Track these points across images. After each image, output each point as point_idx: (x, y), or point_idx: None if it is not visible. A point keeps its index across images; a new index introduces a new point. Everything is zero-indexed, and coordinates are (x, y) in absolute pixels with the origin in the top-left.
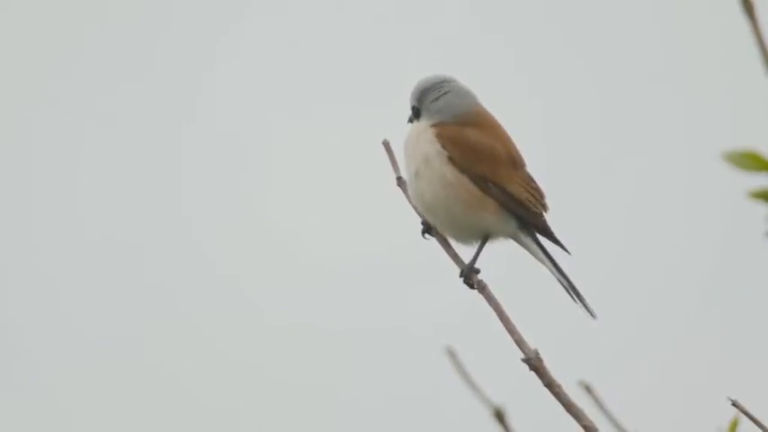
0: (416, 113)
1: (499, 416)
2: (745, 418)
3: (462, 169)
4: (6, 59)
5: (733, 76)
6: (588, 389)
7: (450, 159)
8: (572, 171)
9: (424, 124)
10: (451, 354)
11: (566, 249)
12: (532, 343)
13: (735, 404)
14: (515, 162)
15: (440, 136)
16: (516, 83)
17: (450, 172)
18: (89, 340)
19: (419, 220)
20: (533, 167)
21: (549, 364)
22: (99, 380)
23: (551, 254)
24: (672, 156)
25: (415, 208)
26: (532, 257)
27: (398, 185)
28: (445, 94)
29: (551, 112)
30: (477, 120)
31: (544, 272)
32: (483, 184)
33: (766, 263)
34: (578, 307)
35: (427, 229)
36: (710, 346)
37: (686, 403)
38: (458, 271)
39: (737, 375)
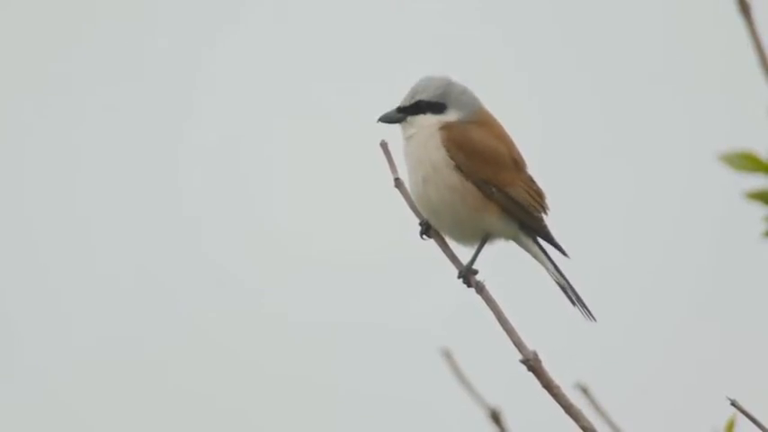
0: (440, 108)
1: (495, 417)
2: (743, 419)
3: (467, 175)
4: (2, 59)
5: (730, 76)
6: (585, 390)
7: (457, 167)
8: (571, 170)
9: (432, 126)
10: (447, 355)
11: (564, 253)
12: (531, 344)
13: (734, 404)
14: (518, 164)
15: (446, 140)
16: (516, 82)
17: (456, 179)
18: (91, 340)
19: (417, 220)
20: (533, 166)
21: (548, 366)
22: (100, 379)
23: (551, 256)
24: (669, 156)
25: (414, 208)
26: (532, 259)
27: (396, 186)
28: (465, 88)
29: (551, 111)
30: (485, 119)
31: (543, 273)
32: (487, 189)
33: (763, 264)
34: (577, 310)
35: (425, 230)
36: (708, 347)
37: (684, 404)
38: (456, 272)
39: (735, 376)
